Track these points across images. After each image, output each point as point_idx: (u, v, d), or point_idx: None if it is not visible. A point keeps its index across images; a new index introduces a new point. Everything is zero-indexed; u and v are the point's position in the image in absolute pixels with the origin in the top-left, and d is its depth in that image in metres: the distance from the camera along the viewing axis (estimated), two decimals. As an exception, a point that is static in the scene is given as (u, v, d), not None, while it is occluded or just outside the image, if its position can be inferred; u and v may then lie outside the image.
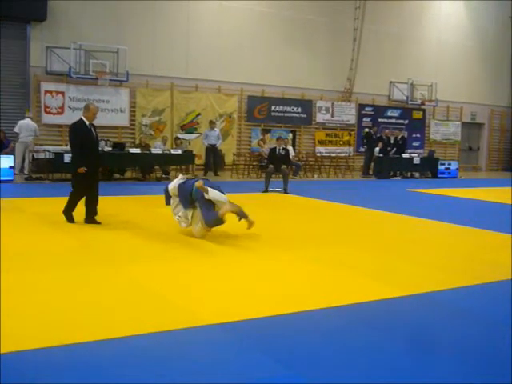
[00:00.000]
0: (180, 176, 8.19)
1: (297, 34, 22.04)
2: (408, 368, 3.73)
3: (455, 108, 26.51)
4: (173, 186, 8.05)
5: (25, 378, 3.39)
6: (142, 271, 5.94)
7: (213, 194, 7.67)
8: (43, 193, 12.30)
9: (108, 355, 3.77)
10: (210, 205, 7.69)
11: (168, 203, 8.24)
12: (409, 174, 21.52)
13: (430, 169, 21.60)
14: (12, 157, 15.20)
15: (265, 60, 21.37)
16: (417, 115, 25.33)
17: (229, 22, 20.73)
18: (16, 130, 16.30)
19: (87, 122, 8.71)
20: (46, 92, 17.97)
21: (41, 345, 3.83)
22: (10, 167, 14.86)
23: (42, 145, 16.61)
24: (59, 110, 18.10)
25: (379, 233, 8.96)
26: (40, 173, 15.62)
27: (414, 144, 24.98)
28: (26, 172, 16.18)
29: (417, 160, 21.01)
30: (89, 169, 8.61)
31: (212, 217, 7.61)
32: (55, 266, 6.02)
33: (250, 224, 8.02)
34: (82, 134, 8.66)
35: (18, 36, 17.85)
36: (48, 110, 18.01)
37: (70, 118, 9.62)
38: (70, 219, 8.70)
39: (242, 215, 7.97)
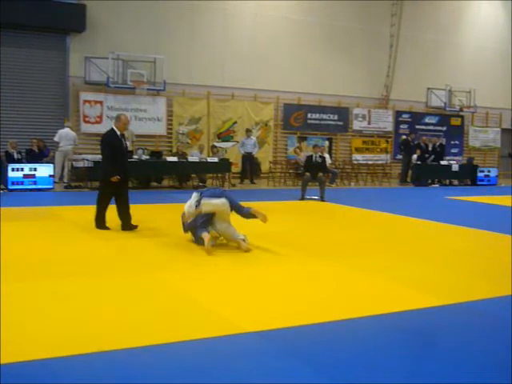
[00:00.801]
0: (194, 194, 7.91)
1: (333, 42, 21.97)
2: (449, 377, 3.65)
3: (494, 114, 26.06)
4: (189, 205, 7.80)
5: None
6: (177, 278, 5.94)
7: (204, 207, 7.52)
8: (81, 201, 12.44)
9: (144, 362, 3.76)
10: (207, 217, 7.59)
11: (186, 230, 8.00)
12: (447, 182, 21.20)
13: (468, 176, 21.22)
14: (52, 165, 15.42)
15: (301, 68, 21.33)
16: (455, 122, 24.97)
17: (264, 31, 20.78)
18: (56, 139, 16.58)
19: (118, 132, 8.89)
20: (85, 101, 18.26)
21: (79, 351, 3.86)
22: (50, 176, 15.08)
23: (80, 153, 16.87)
24: (97, 119, 18.36)
25: (418, 241, 8.82)
26: (79, 181, 15.85)
27: (453, 151, 24.62)
28: (65, 180, 16.41)
29: (455, 167, 20.66)
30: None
31: (197, 240, 7.59)
32: (89, 273, 6.09)
33: (260, 215, 7.81)
34: (113, 144, 8.84)
35: (57, 47, 18.20)
36: (86, 119, 18.28)
37: (108, 127, 9.73)
38: (101, 226, 8.84)
39: (247, 216, 7.88)
